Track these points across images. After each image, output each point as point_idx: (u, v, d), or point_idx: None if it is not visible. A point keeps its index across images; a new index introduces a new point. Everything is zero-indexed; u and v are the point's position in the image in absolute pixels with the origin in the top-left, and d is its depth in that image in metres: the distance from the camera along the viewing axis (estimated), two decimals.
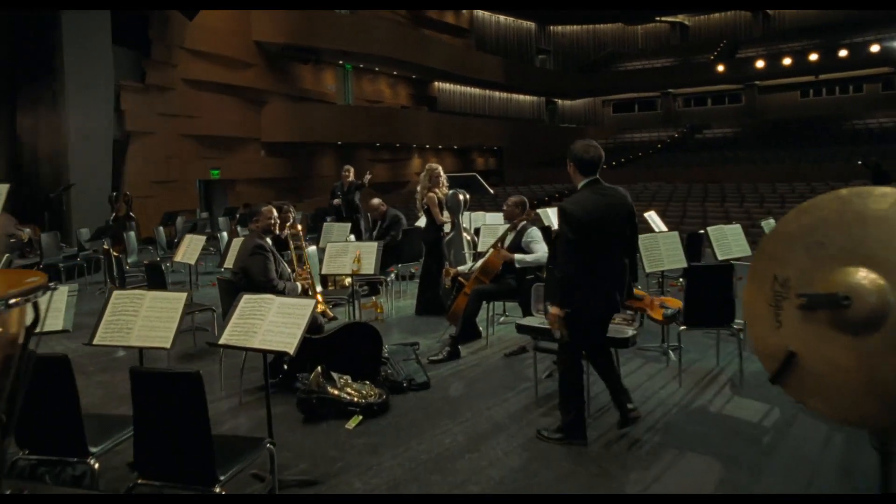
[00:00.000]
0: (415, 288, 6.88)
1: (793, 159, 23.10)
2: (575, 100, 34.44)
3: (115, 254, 6.03)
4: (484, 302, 5.32)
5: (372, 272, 5.03)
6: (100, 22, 12.64)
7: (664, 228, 7.14)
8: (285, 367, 4.59)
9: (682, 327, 4.23)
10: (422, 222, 6.78)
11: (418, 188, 6.32)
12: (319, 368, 3.99)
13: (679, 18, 34.70)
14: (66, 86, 12.06)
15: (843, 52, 25.60)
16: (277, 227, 4.61)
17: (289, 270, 4.62)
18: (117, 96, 13.81)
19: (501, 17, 31.35)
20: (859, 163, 17.26)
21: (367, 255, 5.04)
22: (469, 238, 6.91)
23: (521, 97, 31.95)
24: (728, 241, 5.43)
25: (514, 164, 28.30)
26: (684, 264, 4.98)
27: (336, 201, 9.85)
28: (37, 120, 12.45)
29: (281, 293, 4.26)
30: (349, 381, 4.06)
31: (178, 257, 6.23)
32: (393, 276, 6.84)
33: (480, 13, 29.78)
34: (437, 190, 6.25)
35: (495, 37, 30.96)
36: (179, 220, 11.82)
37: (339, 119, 20.63)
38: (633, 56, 34.85)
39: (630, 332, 3.79)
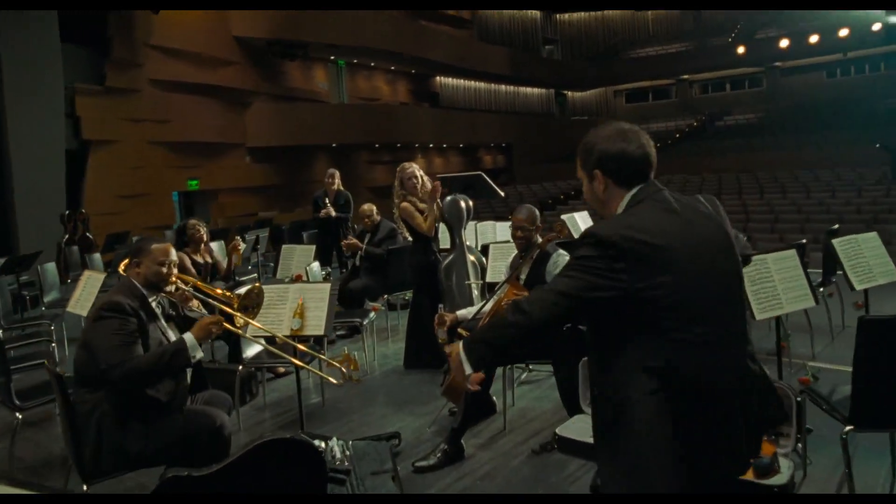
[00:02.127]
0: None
1: (828, 144, 21.20)
2: (586, 90, 32.75)
3: None
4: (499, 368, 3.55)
5: (321, 332, 3.24)
6: (45, 17, 11.01)
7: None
8: None
9: (848, 428, 2.41)
10: None
11: (395, 199, 4.52)
12: None
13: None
14: (5, 91, 10.46)
15: (876, 27, 23.65)
16: (172, 280, 2.72)
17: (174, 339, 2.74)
18: (71, 101, 12.16)
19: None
20: (877, 146, 15.89)
21: (314, 304, 3.26)
22: (474, 259, 5.10)
23: (529, 90, 30.23)
24: (865, 258, 3.56)
25: (525, 161, 26.67)
26: (812, 303, 3.17)
27: (324, 212, 7.96)
28: None
29: (127, 379, 2.46)
30: None
31: (71, 305, 4.50)
32: (373, 315, 5.05)
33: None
34: (416, 198, 4.46)
35: (499, 27, 29.20)
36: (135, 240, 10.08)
37: (333, 119, 18.94)
38: (645, 42, 33.04)
39: (785, 472, 1.98)
